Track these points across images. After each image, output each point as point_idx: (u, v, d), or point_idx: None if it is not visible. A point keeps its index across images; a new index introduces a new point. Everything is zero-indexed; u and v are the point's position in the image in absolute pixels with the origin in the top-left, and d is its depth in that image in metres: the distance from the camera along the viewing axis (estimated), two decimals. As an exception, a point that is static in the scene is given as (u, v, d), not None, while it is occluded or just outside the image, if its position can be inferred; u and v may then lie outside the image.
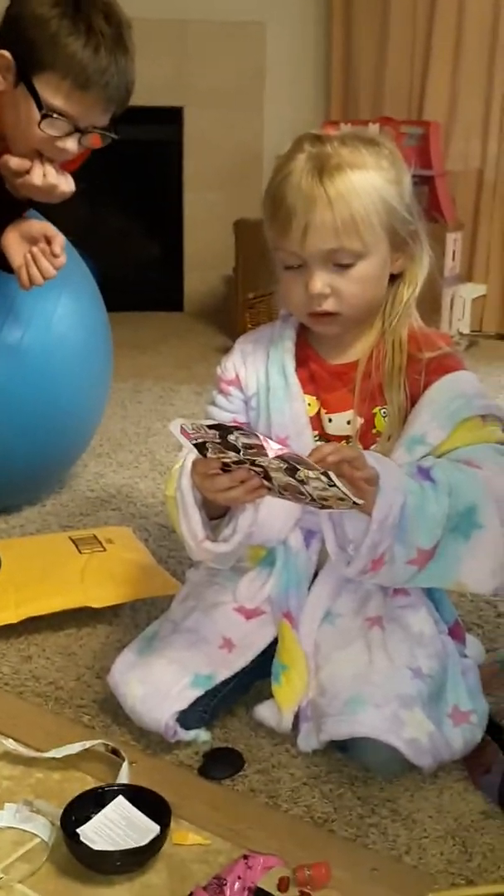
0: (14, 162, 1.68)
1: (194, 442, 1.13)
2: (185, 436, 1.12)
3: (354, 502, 1.10)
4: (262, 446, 1.08)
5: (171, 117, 4.25)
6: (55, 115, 1.62)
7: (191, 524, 1.25)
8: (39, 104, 1.61)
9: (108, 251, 4.16)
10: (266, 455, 1.08)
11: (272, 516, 1.30)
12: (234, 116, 4.16)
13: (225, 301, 4.10)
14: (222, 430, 1.09)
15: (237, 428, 1.10)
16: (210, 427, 1.10)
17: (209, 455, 1.14)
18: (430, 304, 3.79)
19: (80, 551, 1.73)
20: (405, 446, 1.27)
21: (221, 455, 1.13)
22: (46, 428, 1.99)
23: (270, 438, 1.10)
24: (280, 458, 1.07)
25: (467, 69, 4.02)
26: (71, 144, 1.67)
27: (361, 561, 1.19)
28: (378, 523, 1.16)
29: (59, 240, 1.76)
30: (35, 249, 1.75)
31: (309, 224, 1.22)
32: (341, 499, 1.09)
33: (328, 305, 1.27)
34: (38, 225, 1.76)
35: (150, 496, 2.23)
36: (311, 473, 1.07)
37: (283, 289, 1.31)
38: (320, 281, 1.25)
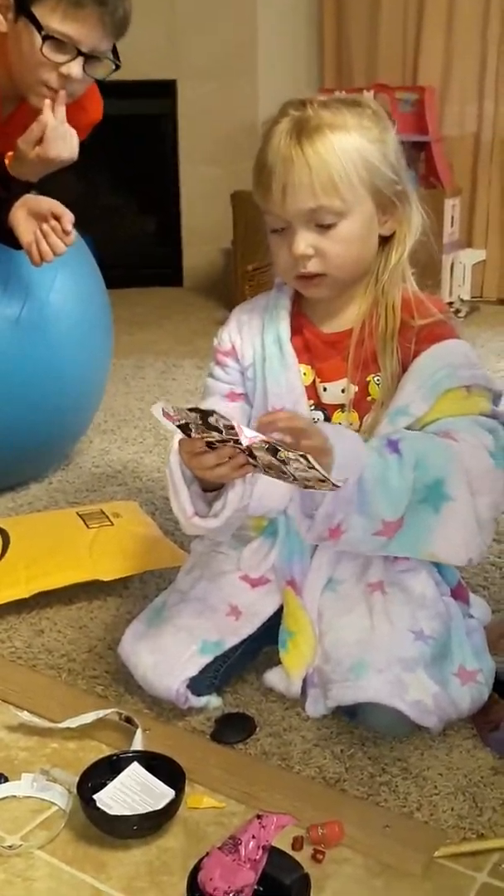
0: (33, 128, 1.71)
1: (177, 423, 1.14)
2: (168, 418, 1.14)
3: (334, 484, 1.10)
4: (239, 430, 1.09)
5: (165, 90, 4.23)
6: (56, 38, 1.67)
7: (180, 500, 1.26)
8: (40, 28, 1.66)
9: (105, 228, 4.16)
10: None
11: (271, 487, 1.30)
12: (227, 88, 4.14)
13: (224, 274, 4.09)
14: (202, 413, 1.11)
15: (215, 412, 1.11)
16: (190, 410, 1.11)
17: (193, 435, 1.16)
18: (430, 271, 3.79)
19: (87, 526, 1.74)
20: (389, 417, 1.28)
21: (205, 435, 1.14)
22: (49, 402, 2.00)
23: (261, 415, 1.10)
24: (253, 445, 1.08)
25: (461, 32, 3.98)
26: (76, 69, 1.71)
27: (316, 529, 1.22)
28: (331, 495, 1.18)
29: (68, 217, 1.77)
30: (45, 227, 1.77)
31: (287, 184, 1.23)
32: (321, 480, 1.10)
33: (313, 266, 1.27)
34: (47, 202, 1.78)
35: (155, 470, 2.25)
36: (290, 454, 1.08)
37: (272, 253, 1.32)
38: (303, 242, 1.26)
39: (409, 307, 1.31)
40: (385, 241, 1.31)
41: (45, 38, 1.67)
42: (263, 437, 1.08)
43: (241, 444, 1.11)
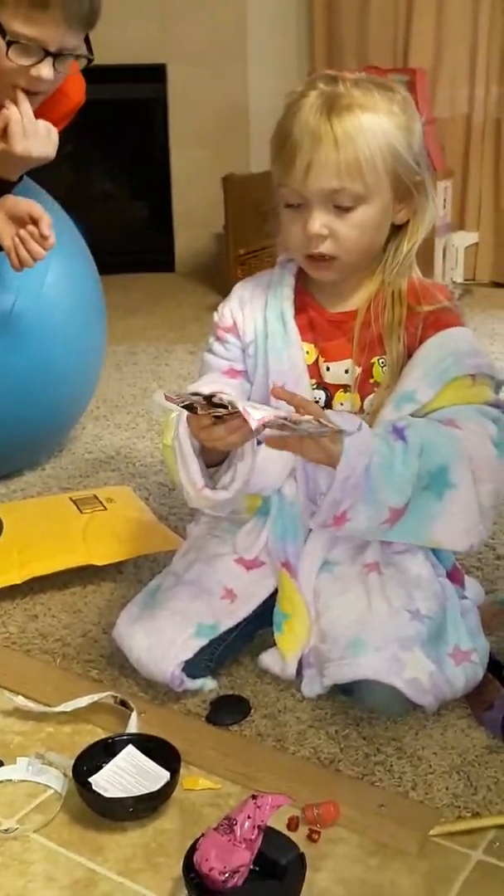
0: None
1: (182, 405, 1.14)
2: (171, 401, 1.14)
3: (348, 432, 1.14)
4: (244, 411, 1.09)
5: (155, 75, 4.20)
6: (21, 42, 1.62)
7: (190, 473, 1.26)
8: (3, 33, 1.61)
9: (96, 213, 4.14)
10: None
11: (268, 465, 1.30)
12: (217, 71, 4.11)
13: (216, 259, 4.08)
14: (204, 396, 1.12)
15: (217, 393, 1.11)
16: (192, 394, 1.12)
17: (200, 413, 1.16)
18: (424, 254, 3.79)
19: (81, 511, 1.74)
20: (394, 403, 1.28)
21: (212, 411, 1.14)
22: (44, 392, 1.99)
23: (256, 405, 1.10)
24: (263, 420, 1.08)
25: (452, 14, 3.96)
26: (46, 71, 1.66)
27: (322, 515, 1.22)
28: (340, 482, 1.18)
29: (46, 220, 1.74)
30: (23, 233, 1.73)
31: (312, 161, 1.21)
32: (338, 431, 1.13)
33: (325, 248, 1.26)
34: (25, 204, 1.75)
35: (148, 455, 2.24)
36: (300, 420, 1.09)
37: (283, 228, 1.30)
38: (318, 221, 1.24)
39: (415, 293, 1.31)
40: (396, 228, 1.30)
41: (10, 42, 1.61)
42: (273, 415, 1.08)
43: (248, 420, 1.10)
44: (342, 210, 1.24)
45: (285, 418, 1.10)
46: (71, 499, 1.80)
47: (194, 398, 1.12)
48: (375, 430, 1.23)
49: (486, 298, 3.83)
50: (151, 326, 3.49)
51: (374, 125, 1.21)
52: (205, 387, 1.33)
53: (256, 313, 1.37)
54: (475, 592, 1.43)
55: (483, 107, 3.98)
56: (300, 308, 1.36)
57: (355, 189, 1.22)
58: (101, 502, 1.77)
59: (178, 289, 4.08)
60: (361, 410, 1.32)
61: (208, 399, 1.12)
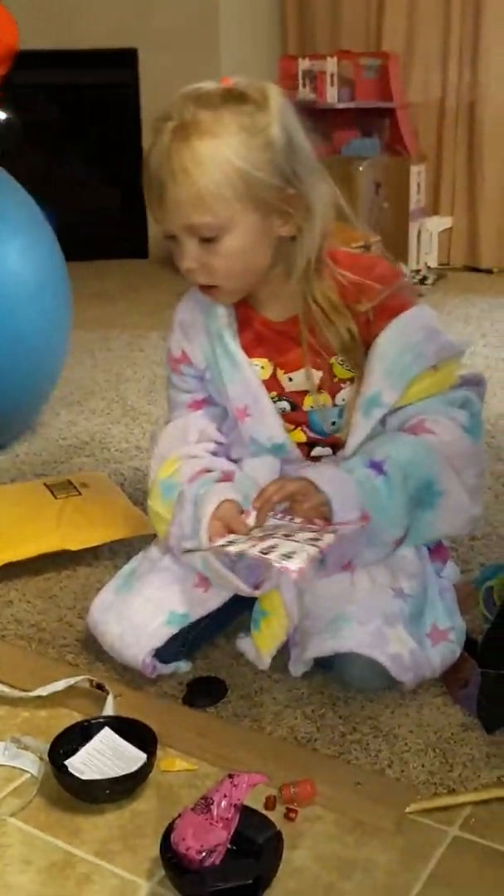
0: None
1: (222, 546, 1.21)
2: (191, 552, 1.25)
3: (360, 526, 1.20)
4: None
5: (126, 59, 4.18)
6: None
7: (238, 588, 1.25)
8: None
9: (67, 200, 4.11)
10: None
11: (255, 472, 1.33)
12: (189, 56, 4.09)
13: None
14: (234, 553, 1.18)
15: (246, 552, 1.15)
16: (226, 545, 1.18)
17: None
18: (398, 240, 3.78)
19: (55, 496, 1.73)
20: (363, 409, 1.28)
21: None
22: (8, 370, 1.98)
23: (285, 559, 1.12)
24: (302, 572, 1.10)
25: (424, -3, 3.96)
26: None
27: (329, 569, 1.24)
28: (339, 540, 1.18)
29: None
30: None
31: (164, 199, 1.18)
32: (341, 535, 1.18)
33: (202, 279, 1.24)
34: None
35: (123, 441, 2.23)
36: (321, 541, 1.14)
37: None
38: (188, 257, 1.21)
39: (349, 293, 1.28)
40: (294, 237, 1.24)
41: None
42: (307, 558, 1.10)
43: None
44: (208, 241, 1.20)
45: (318, 549, 1.12)
46: (45, 484, 1.79)
47: (213, 551, 1.20)
48: (355, 471, 1.23)
49: (461, 283, 3.84)
50: (125, 313, 3.47)
51: (217, 154, 1.15)
52: (173, 415, 1.40)
53: (202, 337, 1.35)
54: (450, 572, 1.43)
55: (456, 91, 3.99)
56: (244, 322, 1.33)
57: (206, 222, 1.18)
58: (75, 487, 1.76)
59: (151, 275, 4.06)
60: (335, 406, 1.33)
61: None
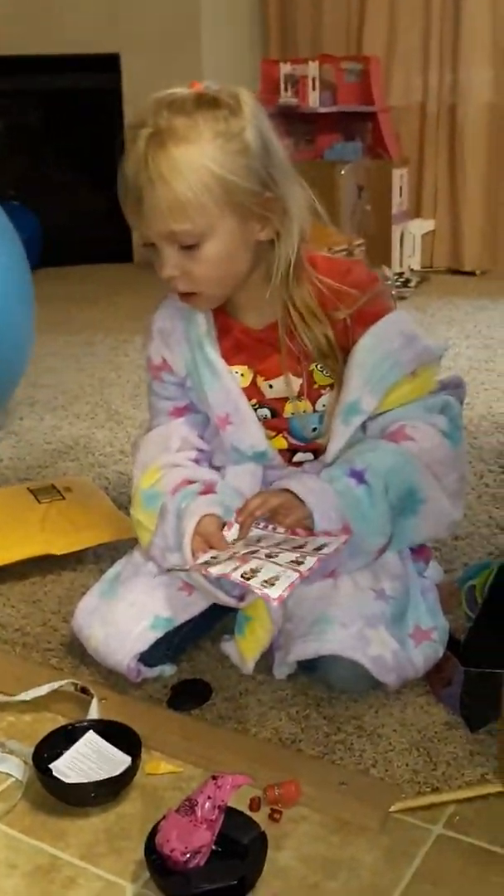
0: None
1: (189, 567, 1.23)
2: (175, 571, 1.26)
3: (342, 542, 1.20)
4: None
5: (108, 64, 4.18)
6: None
7: (222, 601, 1.26)
8: None
9: (52, 205, 4.10)
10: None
11: (237, 479, 1.33)
12: (171, 59, 4.09)
13: (174, 249, 4.06)
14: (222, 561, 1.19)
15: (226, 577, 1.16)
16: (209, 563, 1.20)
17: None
18: (382, 243, 3.79)
19: (39, 501, 1.73)
20: (341, 417, 1.29)
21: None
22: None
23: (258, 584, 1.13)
24: (282, 599, 1.12)
25: (404, 1, 3.98)
26: None
27: (312, 581, 1.25)
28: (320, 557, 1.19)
29: None
30: None
31: (142, 207, 1.17)
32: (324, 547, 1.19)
33: (183, 286, 1.23)
34: None
35: (107, 445, 2.23)
36: (308, 557, 1.16)
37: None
38: (168, 264, 1.21)
39: (327, 300, 1.27)
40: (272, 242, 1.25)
41: None
42: (289, 584, 1.12)
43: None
44: (188, 248, 1.19)
45: (299, 575, 1.13)
46: (29, 489, 1.79)
47: (196, 571, 1.21)
48: (335, 480, 1.24)
49: (444, 285, 3.85)
50: (110, 317, 3.47)
51: (194, 161, 1.14)
52: (154, 423, 1.41)
53: (182, 344, 1.35)
54: (434, 572, 1.43)
55: (437, 94, 4.00)
56: (223, 329, 1.33)
57: (185, 229, 1.17)
58: (59, 492, 1.76)
59: (136, 279, 4.06)
60: (315, 412, 1.33)
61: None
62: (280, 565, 1.15)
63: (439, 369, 1.35)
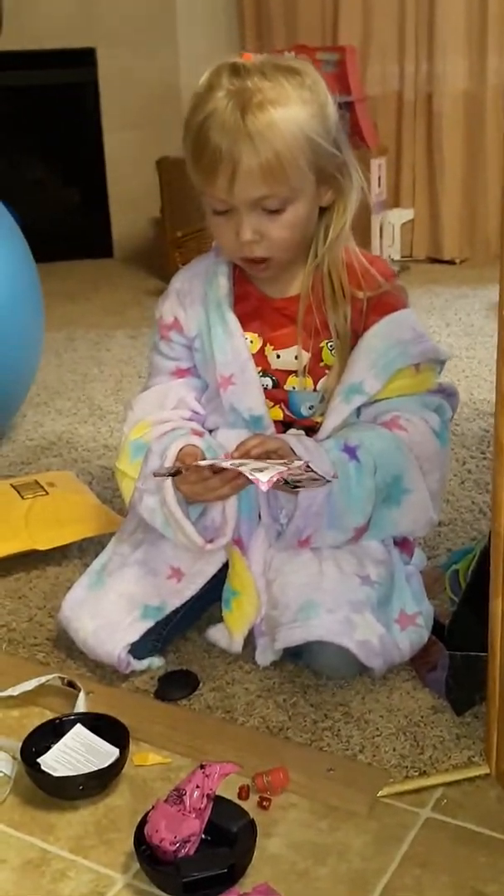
0: None
1: (170, 473, 1.21)
2: (160, 475, 1.22)
3: (327, 480, 1.18)
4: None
5: (84, 58, 4.16)
6: None
7: (188, 535, 1.27)
8: None
9: (30, 201, 4.08)
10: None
11: (227, 441, 1.32)
12: (147, 52, 4.08)
13: (155, 243, 4.05)
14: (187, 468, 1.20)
15: (215, 464, 1.17)
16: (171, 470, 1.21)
17: (194, 466, 1.20)
18: (361, 232, 3.79)
19: (22, 497, 1.73)
20: (343, 395, 1.30)
21: (201, 468, 1.20)
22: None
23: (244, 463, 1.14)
24: (271, 482, 1.11)
25: (379, -10, 3.97)
26: None
27: (286, 541, 1.26)
28: (302, 510, 1.23)
29: None
30: None
31: (236, 171, 1.18)
32: (315, 479, 1.17)
33: (259, 251, 1.26)
34: None
35: (90, 440, 2.23)
36: (294, 470, 1.14)
37: (214, 232, 1.29)
38: (249, 228, 1.23)
39: (356, 277, 1.30)
40: (324, 209, 1.29)
41: None
42: (277, 475, 1.11)
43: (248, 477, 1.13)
44: (272, 213, 1.22)
45: (286, 478, 1.14)
46: (11, 485, 1.78)
47: (180, 465, 1.19)
48: (330, 451, 1.25)
49: (424, 274, 3.85)
50: (90, 312, 3.46)
51: (290, 122, 1.18)
52: (152, 381, 1.41)
53: (197, 306, 1.36)
54: (418, 559, 1.44)
55: (413, 83, 4.00)
56: (241, 296, 1.35)
57: (282, 193, 1.21)
58: (42, 487, 1.76)
59: (116, 274, 4.05)
60: (315, 391, 1.34)
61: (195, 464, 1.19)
62: (268, 465, 1.16)
63: (441, 373, 1.37)
